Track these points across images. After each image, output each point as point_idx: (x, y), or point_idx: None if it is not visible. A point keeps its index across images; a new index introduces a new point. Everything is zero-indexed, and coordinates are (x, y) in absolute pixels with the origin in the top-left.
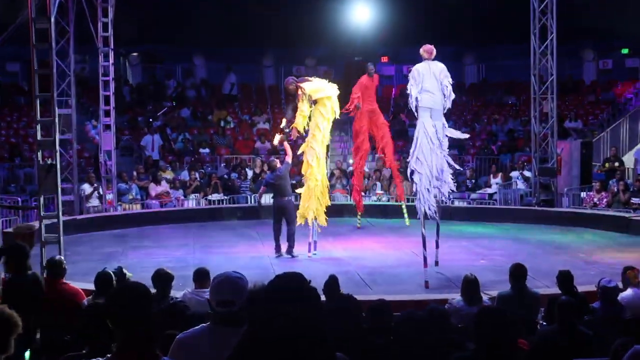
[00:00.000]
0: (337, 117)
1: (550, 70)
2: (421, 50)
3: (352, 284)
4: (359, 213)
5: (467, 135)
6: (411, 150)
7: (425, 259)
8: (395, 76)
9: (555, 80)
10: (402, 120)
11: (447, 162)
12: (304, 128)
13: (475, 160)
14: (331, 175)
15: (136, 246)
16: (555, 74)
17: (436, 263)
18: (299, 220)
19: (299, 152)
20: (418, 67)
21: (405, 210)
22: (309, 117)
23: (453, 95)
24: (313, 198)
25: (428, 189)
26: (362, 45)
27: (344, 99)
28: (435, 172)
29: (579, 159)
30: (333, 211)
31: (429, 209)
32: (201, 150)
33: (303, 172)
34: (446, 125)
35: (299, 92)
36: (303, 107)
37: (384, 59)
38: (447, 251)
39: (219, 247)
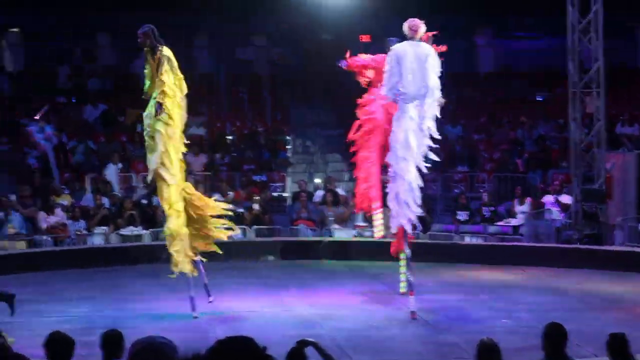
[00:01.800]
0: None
1: (595, 55)
2: (405, 26)
3: None
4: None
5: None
6: (391, 155)
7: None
8: None
9: (603, 68)
10: None
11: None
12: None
13: (493, 180)
14: (294, 200)
15: (20, 300)
16: (602, 60)
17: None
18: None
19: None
20: (397, 50)
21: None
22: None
23: (438, 91)
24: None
25: (407, 202)
26: (332, 19)
27: (303, 92)
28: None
29: (635, 178)
30: (295, 251)
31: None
32: (111, 164)
33: (164, 200)
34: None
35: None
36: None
37: (364, 38)
38: (455, 306)
39: (137, 302)
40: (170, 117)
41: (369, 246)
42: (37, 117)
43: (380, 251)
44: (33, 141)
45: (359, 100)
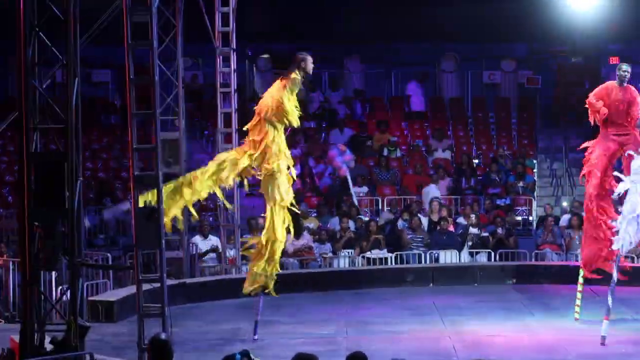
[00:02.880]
0: None
1: None
2: None
3: None
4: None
5: None
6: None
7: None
8: (632, 83)
9: None
10: None
11: None
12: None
13: None
14: (539, 224)
15: (267, 321)
16: None
17: None
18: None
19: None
20: None
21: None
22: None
23: None
24: None
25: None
26: (581, 41)
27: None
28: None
29: None
30: (540, 275)
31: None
32: (356, 188)
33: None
34: None
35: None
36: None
37: (614, 60)
38: None
39: (380, 324)
40: None
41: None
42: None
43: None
44: (335, 165)
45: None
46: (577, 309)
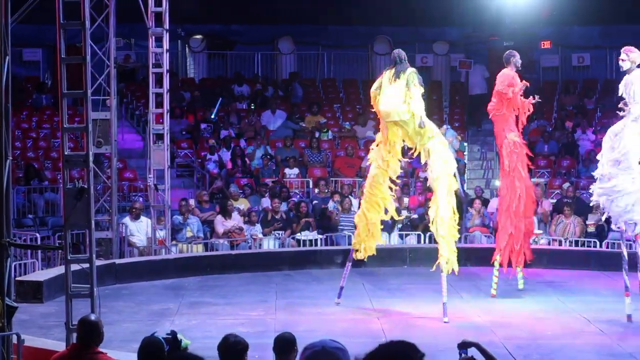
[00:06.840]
0: None
1: None
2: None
3: None
4: (518, 269)
5: None
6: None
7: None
8: (561, 67)
9: None
10: (567, 129)
11: None
12: None
13: None
14: (468, 207)
15: (196, 302)
16: None
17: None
18: None
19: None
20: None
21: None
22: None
23: None
24: None
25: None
26: (513, 25)
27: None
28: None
29: None
30: (469, 258)
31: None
32: (287, 170)
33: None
34: None
35: None
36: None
37: (545, 44)
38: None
39: (310, 306)
40: None
41: (543, 254)
42: (212, 116)
43: (555, 259)
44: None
45: None
46: (494, 285)
